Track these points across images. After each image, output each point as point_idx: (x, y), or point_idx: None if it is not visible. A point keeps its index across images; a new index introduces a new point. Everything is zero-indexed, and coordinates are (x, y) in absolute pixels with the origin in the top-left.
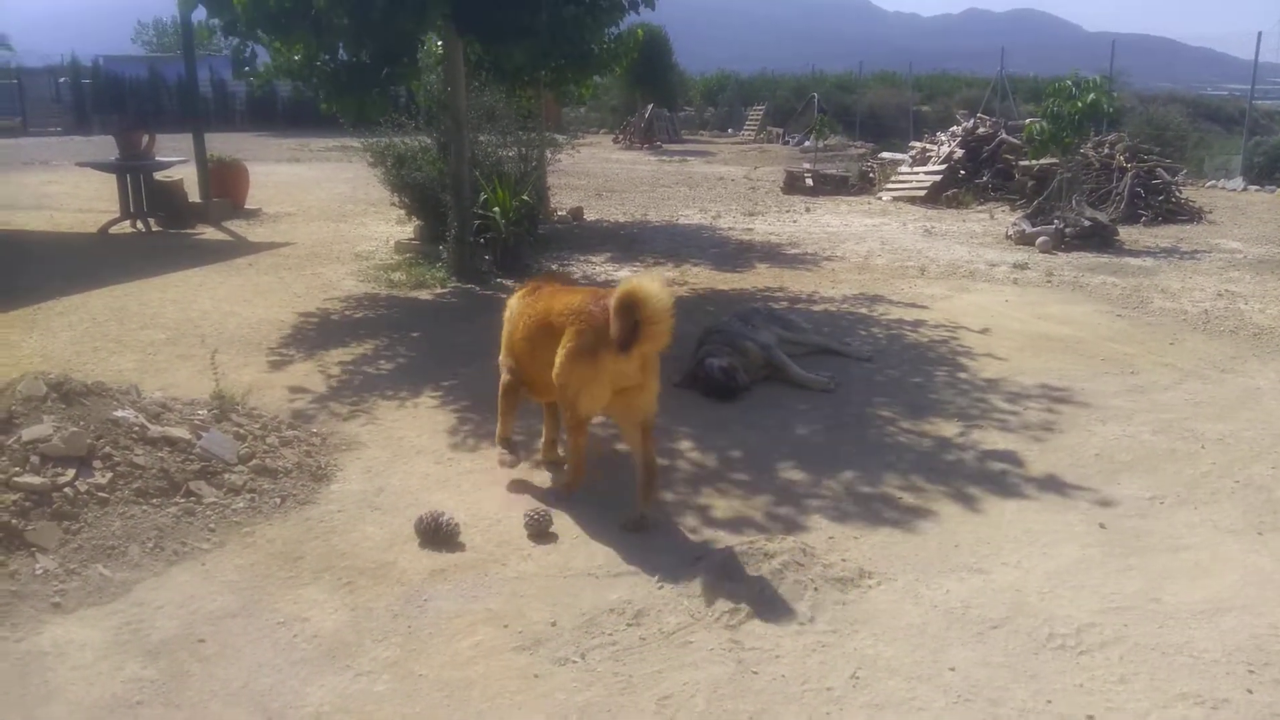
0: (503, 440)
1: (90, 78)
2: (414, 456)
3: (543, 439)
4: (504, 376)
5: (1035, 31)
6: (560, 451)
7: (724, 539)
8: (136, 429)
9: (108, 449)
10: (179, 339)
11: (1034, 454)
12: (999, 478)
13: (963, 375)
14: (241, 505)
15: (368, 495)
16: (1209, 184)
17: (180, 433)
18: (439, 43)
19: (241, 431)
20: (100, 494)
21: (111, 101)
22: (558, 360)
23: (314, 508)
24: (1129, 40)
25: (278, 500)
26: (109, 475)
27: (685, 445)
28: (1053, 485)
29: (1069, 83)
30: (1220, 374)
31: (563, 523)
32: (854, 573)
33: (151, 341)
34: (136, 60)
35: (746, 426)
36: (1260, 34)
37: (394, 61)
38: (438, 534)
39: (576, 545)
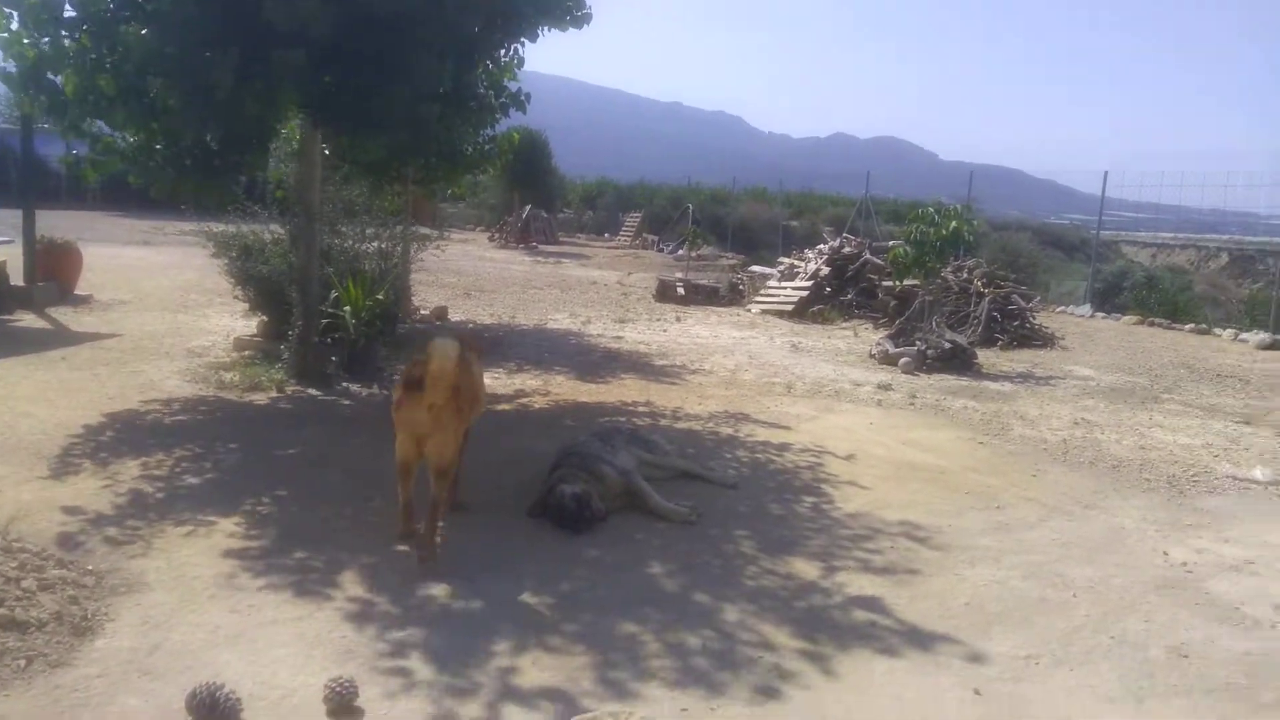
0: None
1: None
2: (205, 602)
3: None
4: None
5: (896, 157)
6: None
7: (560, 712)
8: None
9: None
10: None
11: (902, 601)
12: (866, 630)
13: (827, 507)
14: None
15: (139, 655)
16: (1059, 309)
17: None
18: (298, 130)
19: None
20: None
21: None
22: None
23: (68, 671)
24: (982, 169)
25: (23, 662)
26: None
27: (514, 591)
28: (923, 640)
29: (932, 210)
30: (1084, 510)
31: (371, 693)
32: None
33: None
34: None
35: (591, 565)
36: (1106, 173)
37: (243, 149)
38: (214, 712)
39: None
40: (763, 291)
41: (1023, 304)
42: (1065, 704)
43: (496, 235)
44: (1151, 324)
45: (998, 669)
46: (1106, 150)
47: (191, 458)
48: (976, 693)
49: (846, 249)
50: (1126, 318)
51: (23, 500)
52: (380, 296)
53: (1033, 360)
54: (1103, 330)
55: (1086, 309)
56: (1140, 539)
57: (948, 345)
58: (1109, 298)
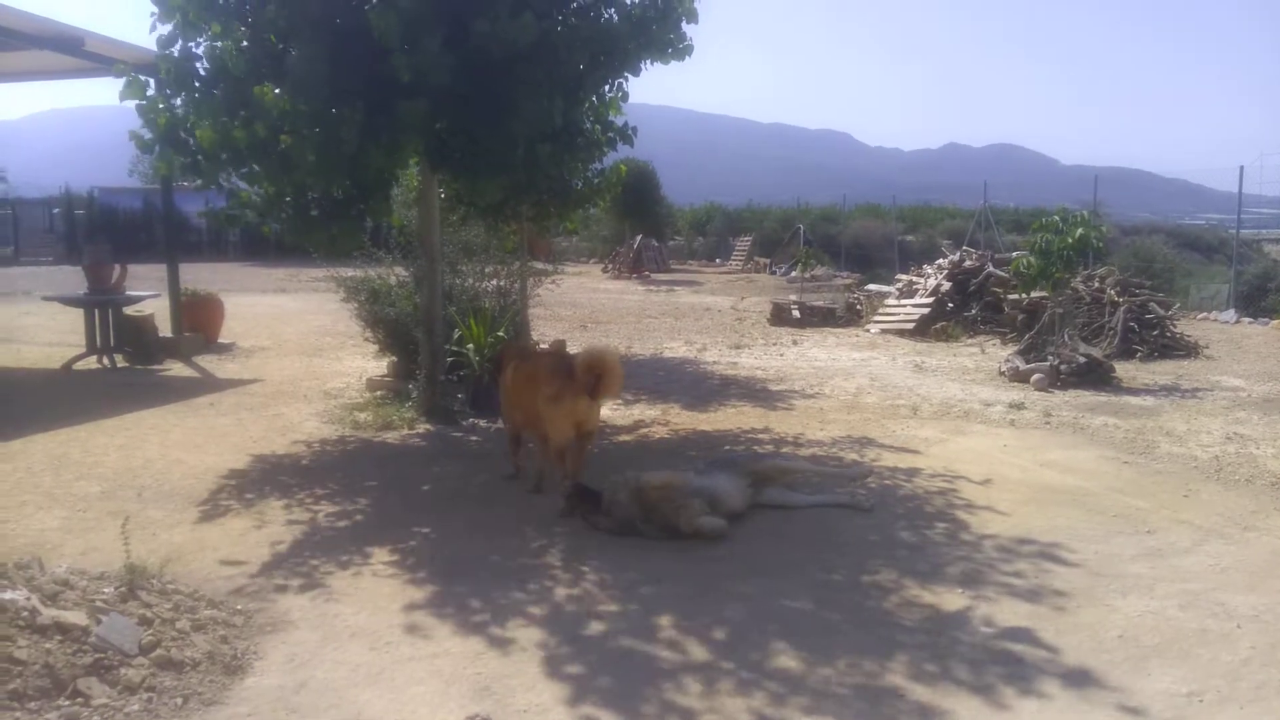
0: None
1: (84, 208)
2: (347, 640)
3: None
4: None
5: (1013, 165)
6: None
7: None
8: (25, 614)
9: None
10: (114, 492)
11: (1050, 634)
12: (1014, 665)
13: (965, 534)
14: (136, 708)
15: (285, 693)
16: (1200, 316)
17: (76, 618)
18: (417, 177)
19: (149, 614)
20: None
21: (105, 232)
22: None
23: (220, 709)
24: (1106, 173)
25: (179, 700)
26: None
27: (656, 626)
28: (1075, 676)
29: (1056, 217)
30: (1243, 532)
31: None
32: None
33: (84, 495)
34: (132, 192)
35: (729, 598)
36: (1242, 167)
37: (367, 197)
38: None
39: None
40: (881, 310)
41: (1161, 312)
42: None
43: (610, 266)
44: None
45: (1158, 708)
46: (1239, 144)
47: (331, 497)
48: None
49: (967, 262)
50: (1275, 322)
51: (175, 543)
52: (501, 333)
53: (1176, 372)
54: (1250, 336)
55: (1230, 314)
56: None
57: (1082, 359)
58: (1254, 301)
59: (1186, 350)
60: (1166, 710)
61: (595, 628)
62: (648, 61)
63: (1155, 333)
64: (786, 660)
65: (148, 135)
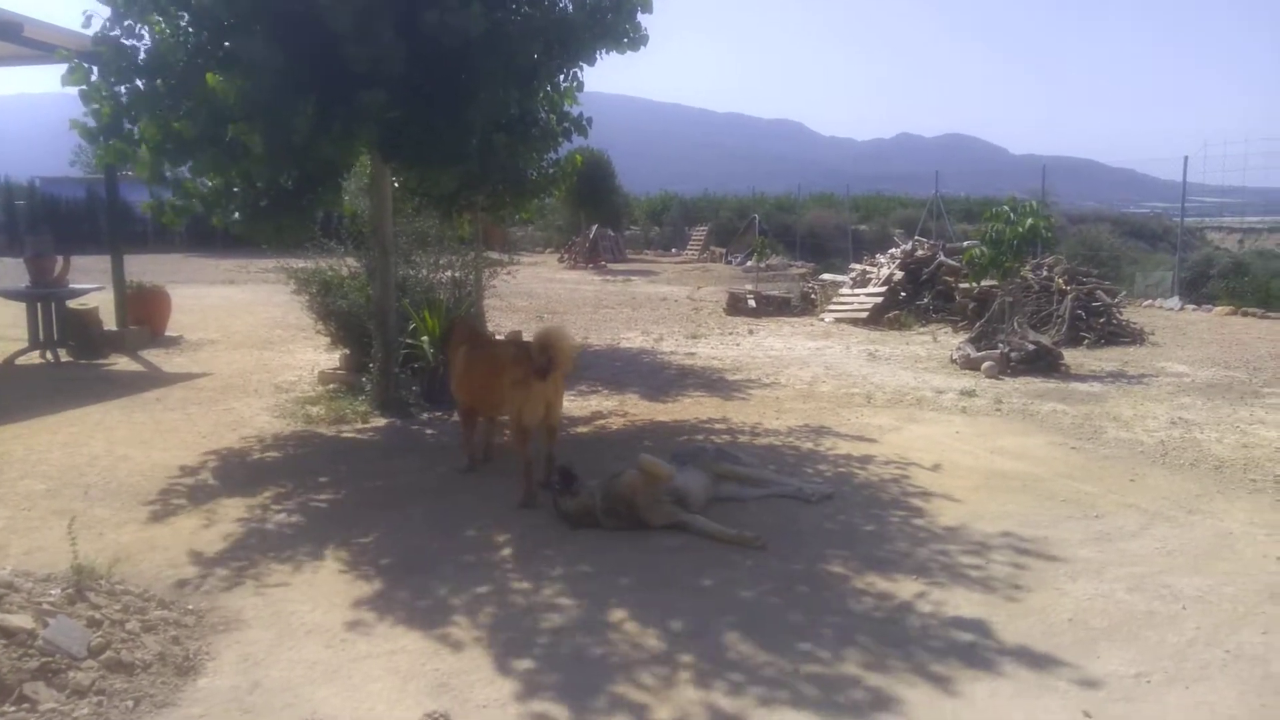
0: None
1: (25, 199)
2: (302, 638)
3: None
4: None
5: (965, 154)
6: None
7: None
8: None
9: None
10: (60, 490)
11: (1002, 619)
12: (967, 650)
13: (918, 521)
14: (85, 712)
15: (239, 693)
16: (1146, 303)
17: (22, 621)
18: (369, 166)
19: (98, 615)
20: None
21: (47, 223)
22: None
23: (173, 711)
24: (1054, 162)
25: (130, 703)
26: None
27: (618, 618)
28: (1027, 659)
29: (1006, 207)
30: (1188, 515)
31: None
32: None
33: (28, 494)
34: (75, 182)
35: (685, 590)
36: (1186, 157)
37: (318, 187)
38: None
39: None
40: (835, 300)
41: (1107, 300)
42: None
43: (566, 256)
44: (1245, 314)
45: (1107, 689)
46: (1184, 134)
47: (283, 493)
48: (1086, 715)
49: (919, 252)
50: (1218, 308)
51: (123, 542)
52: None
53: (1122, 358)
54: (1194, 323)
55: (1175, 301)
56: (1249, 544)
57: (1032, 347)
58: (1197, 287)
59: (1132, 337)
60: (1116, 691)
61: (552, 621)
62: (603, 51)
63: (1102, 320)
64: (742, 651)
65: (91, 124)
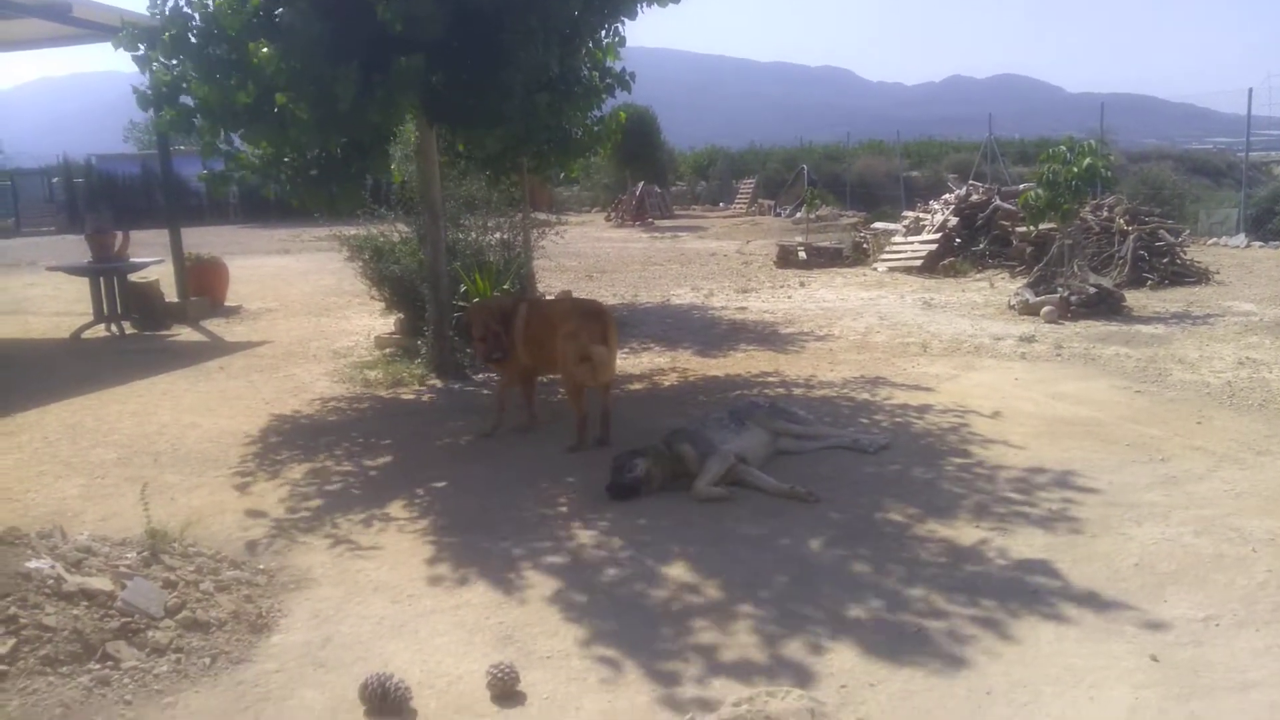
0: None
1: (83, 177)
2: (370, 595)
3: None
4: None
5: (1018, 95)
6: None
7: (721, 691)
8: (51, 582)
9: (14, 609)
10: (131, 458)
11: (1066, 564)
12: (1030, 595)
13: (979, 469)
14: (165, 669)
15: (312, 648)
16: (1210, 242)
17: (101, 584)
18: (415, 132)
19: (173, 577)
20: None
21: (105, 199)
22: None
23: (249, 667)
24: (1112, 99)
25: (207, 660)
26: (11, 642)
27: (678, 570)
28: (1092, 604)
29: (1063, 147)
30: (1257, 457)
31: (532, 678)
32: None
33: (101, 462)
34: (129, 158)
35: (742, 541)
36: (1251, 89)
37: (365, 154)
38: (385, 701)
39: (547, 709)
40: (888, 249)
41: (1170, 239)
42: (1252, 667)
43: (613, 214)
44: None
45: (1175, 633)
46: (1246, 65)
47: (346, 455)
48: (1154, 659)
49: (974, 196)
50: None
51: (195, 506)
52: (506, 286)
53: (1187, 299)
54: (1261, 260)
55: (1241, 239)
56: None
57: (1093, 289)
58: (1263, 224)
59: (1197, 276)
60: (1184, 635)
61: (611, 574)
62: (644, 4)
63: (1165, 260)
64: (802, 599)
65: (149, 92)
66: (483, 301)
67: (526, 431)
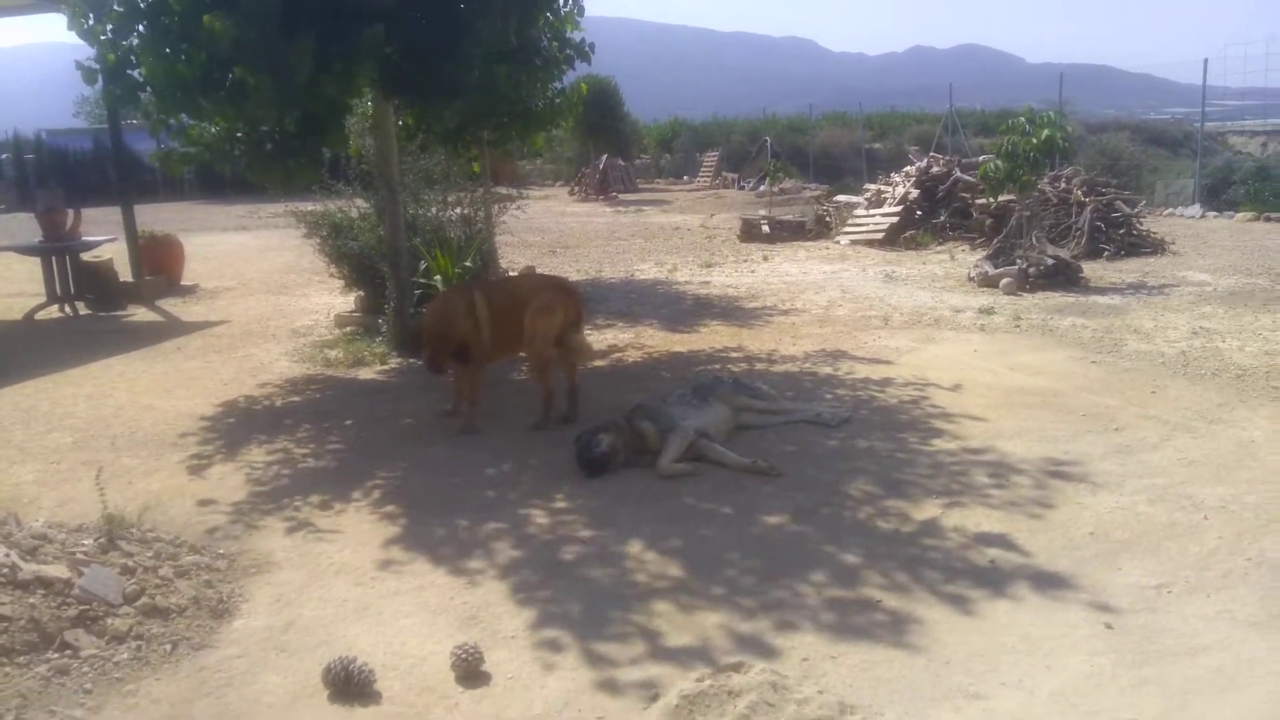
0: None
1: (33, 152)
2: (332, 578)
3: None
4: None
5: (979, 66)
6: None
7: (681, 669)
8: (6, 571)
9: None
10: (87, 442)
11: (1023, 535)
12: (987, 569)
13: (938, 441)
14: (125, 656)
15: (274, 633)
16: (1166, 212)
17: (57, 571)
18: (371, 105)
19: (131, 563)
20: None
21: (56, 176)
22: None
23: (210, 653)
24: (1071, 70)
25: (168, 647)
26: None
27: (635, 547)
28: (1047, 575)
29: (1022, 119)
30: (1209, 425)
31: (496, 658)
32: (834, 709)
33: (57, 447)
34: (80, 133)
35: (703, 517)
36: (1206, 60)
37: (321, 129)
38: (349, 684)
39: (512, 689)
40: (850, 221)
41: (1127, 210)
42: (1204, 632)
43: (576, 188)
44: (1267, 219)
45: (1128, 600)
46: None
47: (306, 437)
48: (1108, 626)
49: (934, 169)
50: (1240, 215)
51: (153, 490)
52: (468, 263)
53: (1143, 269)
54: (1215, 230)
55: (1196, 209)
56: (1272, 452)
57: (1050, 261)
58: (1218, 194)
59: (1153, 247)
60: (1137, 603)
61: (574, 552)
62: None
63: (1122, 231)
64: (759, 576)
65: (95, 67)
66: (436, 310)
67: (471, 434)
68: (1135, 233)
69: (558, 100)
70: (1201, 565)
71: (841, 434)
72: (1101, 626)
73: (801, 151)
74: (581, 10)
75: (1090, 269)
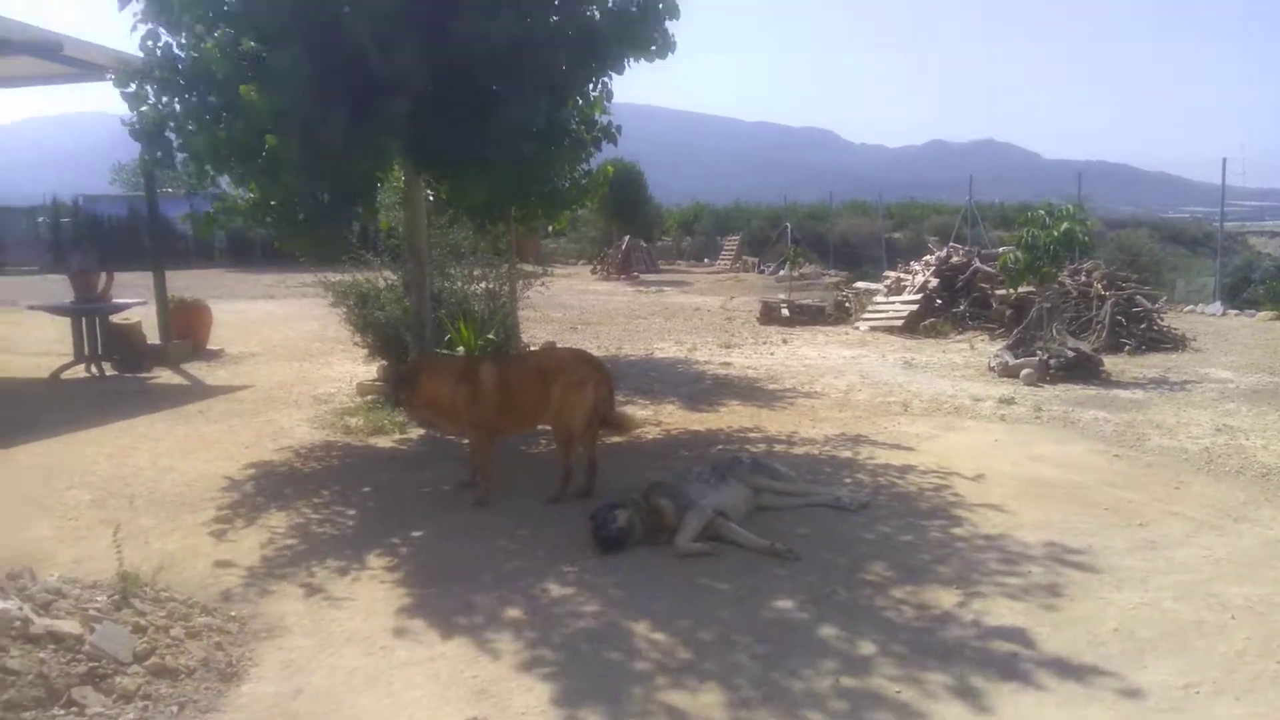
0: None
1: (69, 216)
2: (343, 645)
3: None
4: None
5: (997, 160)
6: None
7: None
8: (18, 624)
9: None
10: (106, 500)
11: (1045, 630)
12: (1008, 662)
13: (958, 530)
14: (131, 716)
15: (282, 700)
16: (1187, 309)
17: (70, 627)
18: (402, 178)
19: (143, 622)
20: None
21: (90, 239)
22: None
23: (217, 717)
24: (1089, 167)
25: (175, 708)
26: None
27: (644, 627)
28: (1070, 671)
29: (1042, 212)
30: (1235, 524)
31: None
32: None
33: (75, 504)
34: (116, 199)
35: (716, 599)
36: (1225, 160)
37: (353, 200)
38: None
39: None
40: (870, 308)
41: (1148, 305)
42: None
43: (598, 267)
44: None
45: (1154, 700)
46: (1221, 136)
47: (324, 503)
48: None
49: (954, 258)
50: (1261, 313)
51: (169, 550)
52: (491, 336)
53: (1164, 364)
54: (1236, 329)
55: (1217, 307)
56: None
57: (1071, 353)
58: (1239, 292)
59: (1174, 343)
60: (1163, 701)
61: (588, 628)
62: (631, 59)
63: (1143, 326)
64: (770, 661)
65: (139, 127)
66: (424, 363)
67: (483, 505)
68: (1156, 328)
69: (584, 181)
70: (1229, 667)
71: (860, 519)
72: None
73: (821, 238)
74: (610, 95)
75: (1111, 363)
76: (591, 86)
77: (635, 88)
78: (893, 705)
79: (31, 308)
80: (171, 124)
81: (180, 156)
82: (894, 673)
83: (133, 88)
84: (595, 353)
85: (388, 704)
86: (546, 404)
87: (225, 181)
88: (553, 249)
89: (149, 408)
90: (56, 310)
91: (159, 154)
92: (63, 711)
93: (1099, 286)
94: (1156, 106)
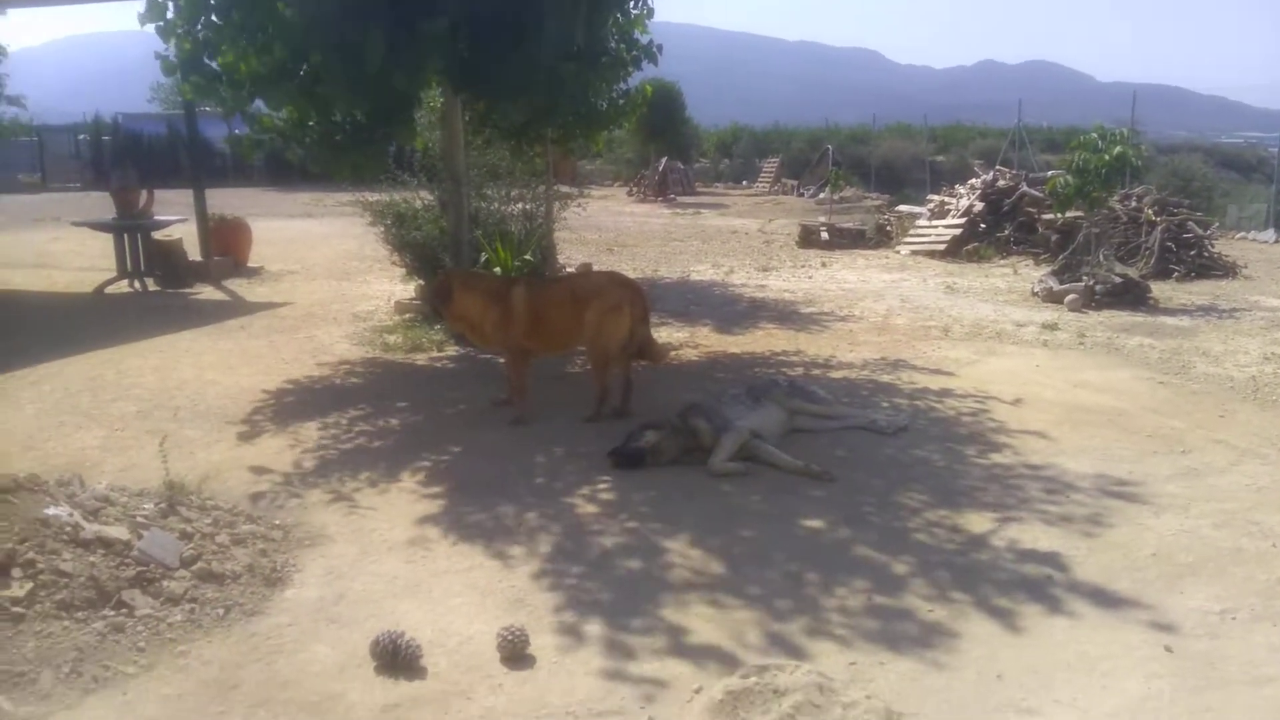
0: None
1: (110, 134)
2: (383, 553)
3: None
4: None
5: (1049, 82)
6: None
7: (725, 667)
8: (69, 529)
9: (31, 554)
10: (151, 412)
11: (1082, 554)
12: (1043, 585)
13: (995, 455)
14: (179, 618)
15: (325, 604)
16: (1238, 236)
17: (118, 532)
18: (440, 99)
19: (189, 529)
20: (15, 609)
21: (130, 157)
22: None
23: (262, 619)
24: (1142, 90)
25: (221, 611)
26: (29, 586)
27: (677, 543)
28: (1106, 595)
29: (1094, 135)
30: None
31: (541, 641)
32: (881, 715)
33: (121, 415)
34: (155, 118)
35: (750, 518)
36: None
37: (390, 120)
38: (396, 658)
39: (555, 672)
40: (912, 232)
41: (1199, 231)
42: (1268, 662)
43: (635, 189)
44: None
45: (1190, 624)
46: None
47: (364, 417)
48: (1168, 649)
49: (1001, 182)
50: None
51: (213, 461)
52: (528, 256)
53: (1213, 292)
54: None
55: (1270, 234)
56: None
57: (1118, 279)
58: None
59: (1224, 270)
60: (1199, 628)
61: (621, 542)
62: None
63: (1193, 252)
64: (800, 579)
65: (172, 58)
66: (456, 277)
67: (519, 425)
68: (1206, 255)
69: (622, 101)
70: (1268, 594)
71: (897, 443)
72: (1161, 649)
73: (863, 161)
74: (650, 13)
75: (1159, 289)
76: (632, 4)
77: (676, 5)
78: (924, 624)
79: (75, 224)
80: (208, 51)
81: (219, 84)
82: (927, 592)
83: (164, 22)
84: (631, 275)
85: (427, 610)
86: (580, 328)
87: (260, 104)
88: (589, 170)
89: (192, 323)
90: (99, 226)
91: (197, 81)
92: (113, 612)
93: (1150, 212)
94: (1213, 29)
